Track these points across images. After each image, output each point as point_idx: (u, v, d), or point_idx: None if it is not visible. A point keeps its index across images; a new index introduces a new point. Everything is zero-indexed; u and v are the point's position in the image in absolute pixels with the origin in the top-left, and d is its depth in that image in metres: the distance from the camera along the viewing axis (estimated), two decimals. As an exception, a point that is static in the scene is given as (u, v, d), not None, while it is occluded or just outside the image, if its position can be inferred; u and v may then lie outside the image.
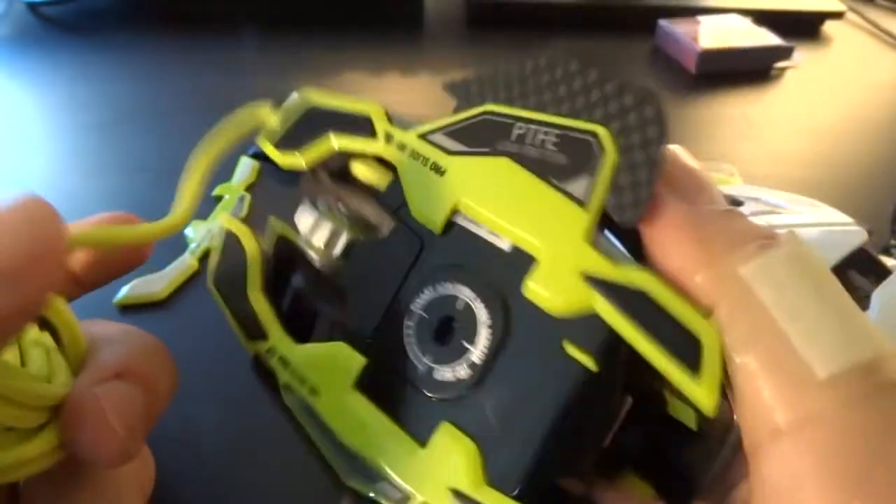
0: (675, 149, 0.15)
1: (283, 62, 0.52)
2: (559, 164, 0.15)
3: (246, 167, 0.39)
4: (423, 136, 0.17)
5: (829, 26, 0.63)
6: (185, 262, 0.32)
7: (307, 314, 0.18)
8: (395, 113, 0.18)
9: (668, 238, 0.14)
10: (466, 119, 0.17)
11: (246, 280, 0.18)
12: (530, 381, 0.14)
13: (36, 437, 0.14)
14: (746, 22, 0.56)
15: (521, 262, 0.15)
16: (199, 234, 0.34)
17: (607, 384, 0.14)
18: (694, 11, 0.58)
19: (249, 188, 0.38)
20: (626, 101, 0.15)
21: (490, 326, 0.15)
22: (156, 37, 0.55)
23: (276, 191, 0.41)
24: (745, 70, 0.53)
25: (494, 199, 0.16)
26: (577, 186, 0.15)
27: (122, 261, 0.19)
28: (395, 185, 0.17)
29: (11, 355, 0.15)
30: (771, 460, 0.12)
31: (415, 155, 0.17)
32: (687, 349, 0.13)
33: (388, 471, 0.15)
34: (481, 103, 0.17)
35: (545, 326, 0.14)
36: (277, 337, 0.18)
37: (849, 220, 0.30)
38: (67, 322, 0.16)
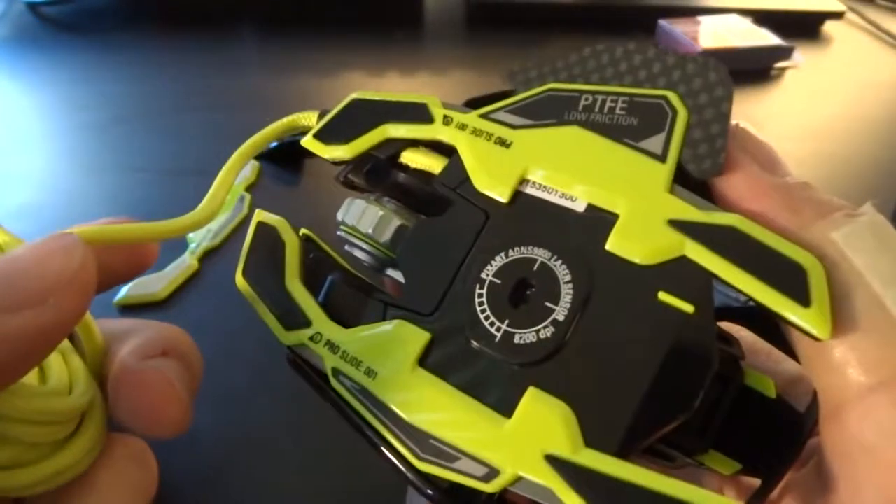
0: (745, 125, 0.16)
1: (283, 62, 0.52)
2: (631, 126, 0.15)
3: (246, 167, 0.39)
4: (484, 116, 0.17)
5: (829, 26, 0.63)
6: (185, 263, 0.32)
7: (347, 305, 0.18)
8: (450, 103, 0.18)
9: (755, 204, 0.14)
10: (529, 97, 0.17)
11: (283, 270, 0.18)
12: (622, 333, 0.14)
13: (66, 447, 0.14)
14: (746, 22, 0.56)
15: (598, 220, 0.15)
16: (198, 235, 0.34)
17: (705, 327, 0.14)
18: (694, 11, 0.58)
19: (249, 188, 0.38)
20: (688, 69, 0.15)
21: (572, 283, 0.14)
22: (156, 37, 0.55)
23: (276, 191, 0.42)
24: (745, 70, 0.53)
25: (567, 162, 0.15)
26: (653, 143, 0.15)
27: (128, 264, 0.19)
28: (453, 165, 0.17)
29: None
30: (862, 417, 0.12)
31: (477, 132, 0.17)
32: (790, 278, 0.12)
33: (469, 447, 0.14)
34: (542, 85, 0.17)
35: (632, 277, 0.14)
36: (322, 323, 0.17)
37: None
38: (83, 320, 0.16)
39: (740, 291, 0.13)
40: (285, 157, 0.40)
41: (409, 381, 0.15)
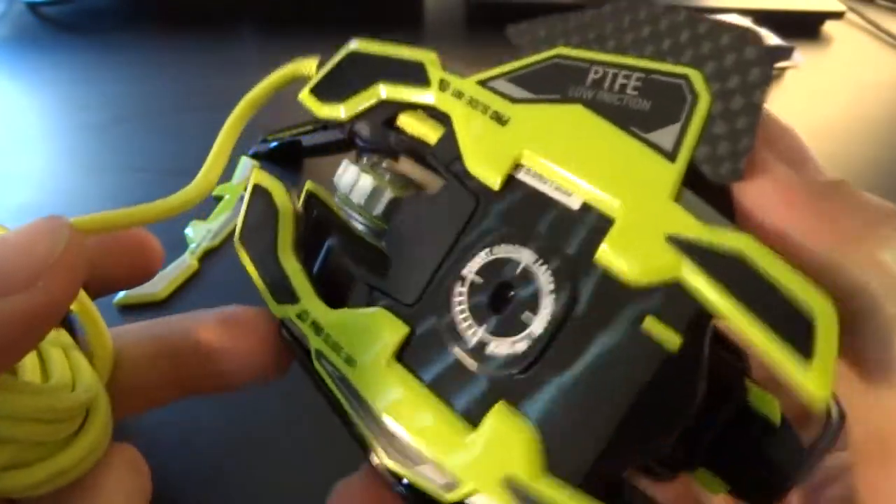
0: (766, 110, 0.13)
1: (283, 62, 0.52)
2: (642, 112, 0.13)
3: (246, 167, 0.39)
4: (483, 83, 0.15)
5: (829, 26, 0.63)
6: (185, 262, 0.32)
7: (340, 278, 0.17)
8: (451, 63, 0.16)
9: (783, 217, 0.12)
10: (534, 64, 0.15)
11: (276, 239, 0.17)
12: (601, 359, 0.12)
13: (69, 446, 0.14)
14: (746, 22, 0.56)
15: (593, 222, 0.13)
16: (198, 234, 0.34)
17: (691, 365, 0.12)
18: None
19: (249, 188, 0.38)
20: (722, 42, 0.13)
21: (554, 294, 0.13)
22: (156, 37, 0.55)
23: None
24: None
25: (565, 151, 0.14)
26: (663, 136, 0.13)
27: (132, 267, 0.18)
28: (448, 138, 0.15)
29: (31, 361, 0.14)
30: None
31: (473, 103, 0.15)
32: (795, 325, 0.11)
33: (432, 454, 0.13)
34: (550, 48, 0.15)
35: (620, 297, 0.12)
36: (310, 300, 0.16)
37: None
38: (88, 313, 0.16)
39: (737, 331, 0.11)
40: (285, 157, 0.40)
41: (384, 375, 0.14)
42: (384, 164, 0.17)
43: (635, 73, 0.13)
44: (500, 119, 0.15)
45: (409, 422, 0.14)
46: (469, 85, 0.15)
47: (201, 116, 0.45)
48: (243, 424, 0.26)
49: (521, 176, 0.14)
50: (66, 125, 0.44)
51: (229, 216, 0.35)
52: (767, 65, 0.12)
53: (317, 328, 0.16)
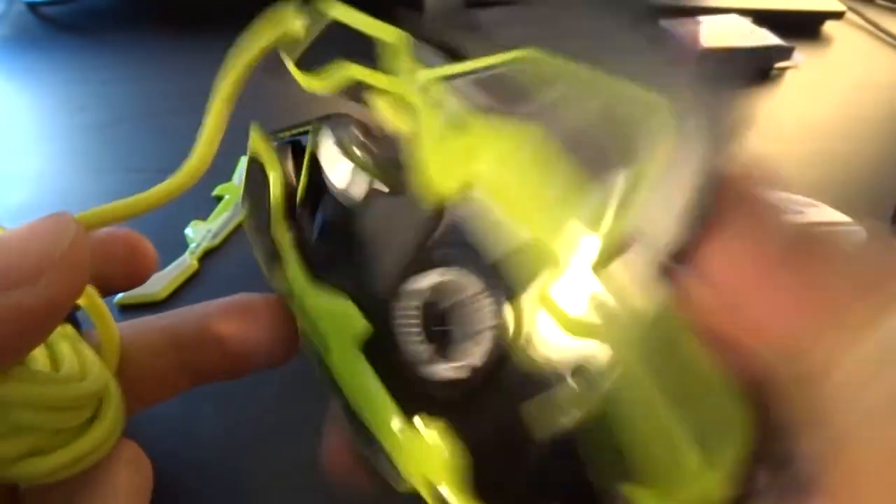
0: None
1: (283, 62, 0.52)
2: (599, 147, 0.12)
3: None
4: (448, 80, 0.14)
5: (829, 26, 0.63)
6: (185, 262, 0.32)
7: (329, 254, 0.17)
8: (423, 45, 0.15)
9: (745, 279, 0.10)
10: (499, 65, 0.14)
11: (269, 213, 0.17)
12: (532, 398, 0.13)
13: (87, 431, 0.14)
14: (746, 22, 0.56)
15: (537, 260, 0.13)
16: (199, 234, 0.34)
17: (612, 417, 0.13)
18: (694, 11, 0.58)
19: (249, 188, 0.38)
20: (680, 85, 0.12)
21: (495, 329, 0.13)
22: (155, 37, 0.55)
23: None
24: (745, 70, 0.53)
25: (515, 180, 0.13)
26: (612, 181, 0.12)
27: (127, 267, 0.18)
28: (415, 134, 0.15)
29: (41, 354, 0.15)
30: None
31: (436, 103, 0.14)
32: (706, 423, 0.10)
33: (385, 448, 0.14)
34: (518, 46, 0.14)
35: (555, 341, 0.13)
36: (297, 280, 0.16)
37: (848, 219, 0.30)
38: (95, 306, 0.16)
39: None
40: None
41: (354, 367, 0.15)
42: (370, 144, 0.17)
43: (599, 97, 0.13)
44: (459, 128, 0.14)
45: (369, 414, 0.15)
46: (435, 81, 0.15)
47: (201, 116, 0.45)
48: (243, 421, 0.26)
49: (478, 194, 0.14)
50: (65, 125, 0.44)
51: (229, 216, 0.35)
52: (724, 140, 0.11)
53: (303, 309, 0.16)
